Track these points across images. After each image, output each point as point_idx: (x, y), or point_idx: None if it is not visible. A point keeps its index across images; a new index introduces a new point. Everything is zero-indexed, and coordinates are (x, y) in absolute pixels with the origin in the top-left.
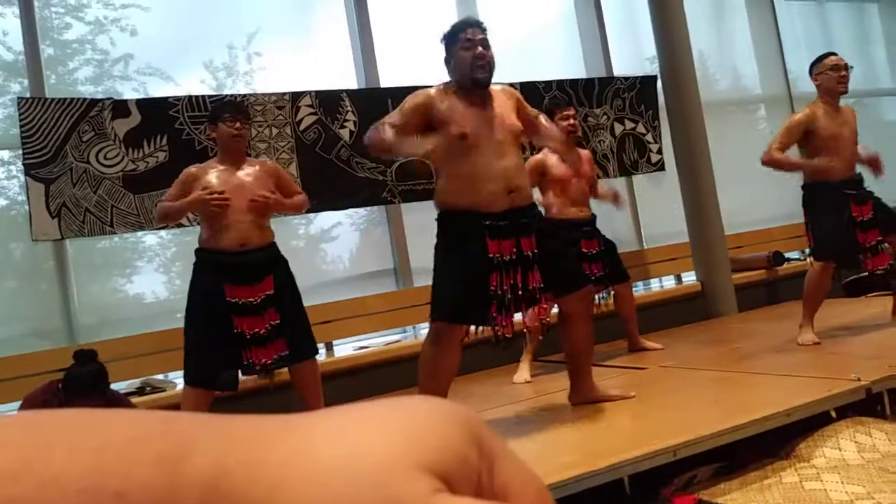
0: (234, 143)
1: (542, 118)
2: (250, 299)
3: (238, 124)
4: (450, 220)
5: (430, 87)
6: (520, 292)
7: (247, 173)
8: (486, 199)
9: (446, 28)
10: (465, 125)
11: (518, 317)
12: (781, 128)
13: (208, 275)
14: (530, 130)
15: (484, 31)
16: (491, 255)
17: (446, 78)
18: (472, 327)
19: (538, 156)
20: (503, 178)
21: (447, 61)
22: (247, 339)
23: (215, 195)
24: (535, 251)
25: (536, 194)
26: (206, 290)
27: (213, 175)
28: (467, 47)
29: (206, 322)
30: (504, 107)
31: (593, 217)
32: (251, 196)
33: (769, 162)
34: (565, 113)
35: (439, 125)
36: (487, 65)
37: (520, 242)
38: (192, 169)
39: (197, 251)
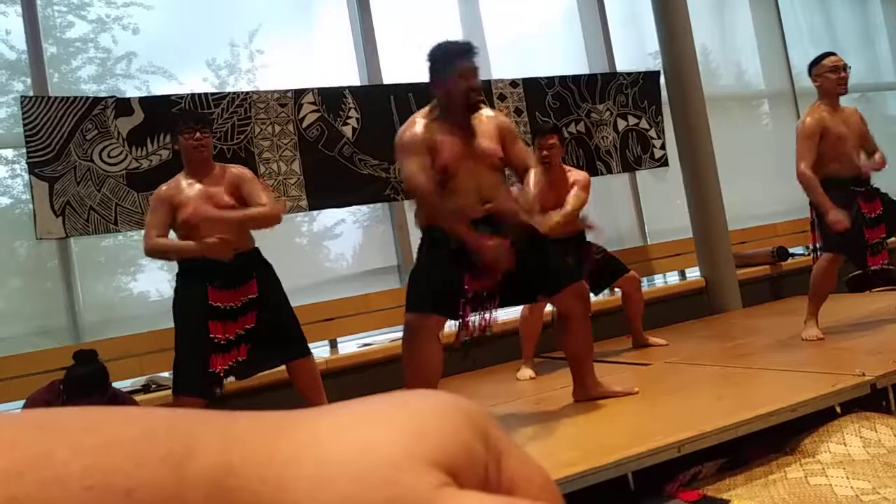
0: (196, 153)
1: (531, 175)
2: (231, 304)
3: (197, 134)
4: (430, 232)
5: (415, 120)
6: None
7: (214, 182)
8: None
9: (439, 45)
10: (448, 155)
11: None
12: (799, 142)
13: (192, 280)
14: (514, 167)
15: (478, 56)
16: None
17: None
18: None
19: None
20: (475, 193)
21: (433, 82)
22: (215, 345)
23: (215, 239)
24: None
25: None
26: (189, 295)
27: (184, 192)
28: (466, 76)
29: (189, 329)
30: (486, 131)
31: (581, 232)
32: (219, 204)
33: (805, 181)
34: (542, 141)
35: (432, 154)
36: (477, 95)
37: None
38: (163, 188)
39: (179, 261)
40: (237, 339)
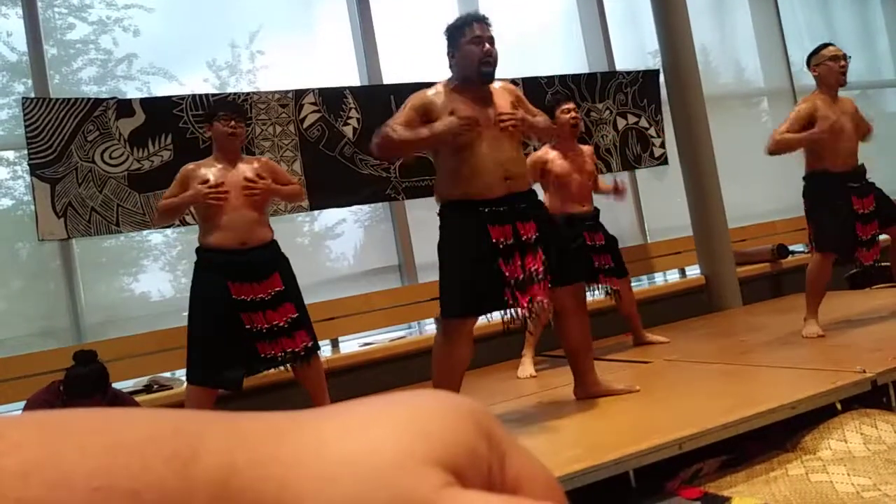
0: (228, 141)
1: (541, 117)
2: (260, 296)
3: (233, 122)
4: (450, 211)
5: (432, 86)
6: (522, 276)
7: (243, 171)
8: (482, 187)
9: (450, 20)
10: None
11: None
12: (787, 119)
13: (211, 273)
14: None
15: (490, 26)
16: (495, 240)
17: (448, 74)
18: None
19: (538, 152)
20: (500, 168)
21: (451, 55)
22: (264, 333)
23: (213, 188)
24: (536, 235)
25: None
26: (208, 288)
27: (210, 172)
28: (476, 42)
29: (211, 321)
30: (503, 103)
31: (596, 211)
32: (244, 185)
33: (774, 145)
34: (566, 107)
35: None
36: (494, 61)
37: (517, 227)
38: (190, 166)
39: (198, 250)
40: (290, 326)
